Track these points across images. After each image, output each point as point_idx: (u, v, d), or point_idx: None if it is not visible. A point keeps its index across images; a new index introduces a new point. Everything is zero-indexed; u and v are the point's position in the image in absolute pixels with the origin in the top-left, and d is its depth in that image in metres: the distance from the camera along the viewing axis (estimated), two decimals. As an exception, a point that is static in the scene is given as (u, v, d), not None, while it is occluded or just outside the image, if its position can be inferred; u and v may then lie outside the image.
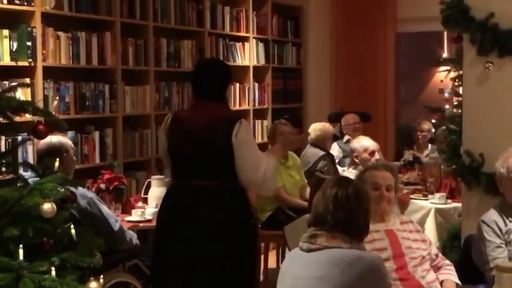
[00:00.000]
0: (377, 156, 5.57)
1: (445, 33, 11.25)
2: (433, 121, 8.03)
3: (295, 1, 7.74)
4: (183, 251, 3.42)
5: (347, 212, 2.54)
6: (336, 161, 6.55)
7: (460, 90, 5.53)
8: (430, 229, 5.14)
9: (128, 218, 4.56)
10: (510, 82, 4.12)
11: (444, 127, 8.73)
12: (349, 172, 5.55)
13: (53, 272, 2.36)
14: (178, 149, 3.55)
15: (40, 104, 3.28)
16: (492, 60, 4.13)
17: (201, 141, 3.48)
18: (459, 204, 5.09)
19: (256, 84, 7.05)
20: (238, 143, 3.47)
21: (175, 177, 3.61)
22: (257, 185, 3.56)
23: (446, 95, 10.29)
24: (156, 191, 4.76)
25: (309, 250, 2.57)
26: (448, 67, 7.73)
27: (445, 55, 11.22)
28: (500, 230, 3.44)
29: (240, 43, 6.82)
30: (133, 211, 4.61)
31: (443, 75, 10.20)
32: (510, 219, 3.47)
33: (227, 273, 3.40)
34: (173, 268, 3.44)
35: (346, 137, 6.81)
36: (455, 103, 6.51)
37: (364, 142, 5.60)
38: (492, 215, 3.51)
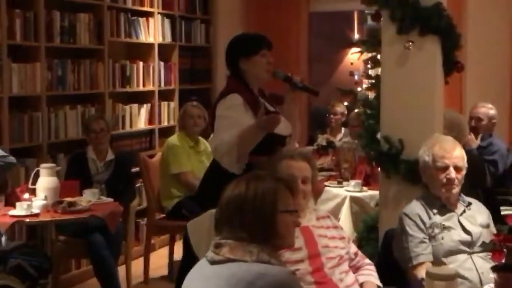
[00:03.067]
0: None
1: (355, 13, 11.13)
2: (346, 103, 7.83)
3: (203, -25, 7.30)
4: None
5: (254, 216, 2.12)
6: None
7: (372, 72, 5.28)
8: (346, 219, 4.87)
9: (12, 212, 4.05)
10: (432, 63, 3.85)
11: (357, 110, 8.56)
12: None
13: None
14: None
15: None
16: (413, 39, 3.85)
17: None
18: (376, 192, 4.86)
19: (162, 63, 6.62)
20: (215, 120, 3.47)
21: None
22: (217, 159, 3.43)
23: (356, 77, 10.15)
24: (46, 182, 4.30)
25: (212, 262, 2.13)
26: (360, 49, 7.50)
27: (356, 36, 11.10)
28: (424, 223, 3.16)
29: (144, 18, 6.36)
30: (17, 204, 4.10)
31: (354, 57, 10.09)
32: (434, 211, 3.20)
33: None
34: None
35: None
36: (366, 85, 6.27)
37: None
38: (415, 208, 3.22)
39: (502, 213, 4.47)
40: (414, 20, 3.84)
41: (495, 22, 6.93)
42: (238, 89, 3.46)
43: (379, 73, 6.77)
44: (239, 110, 3.39)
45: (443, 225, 3.17)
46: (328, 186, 5.26)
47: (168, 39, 6.70)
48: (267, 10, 7.61)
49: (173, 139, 5.43)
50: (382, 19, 4.02)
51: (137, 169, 5.59)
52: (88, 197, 4.48)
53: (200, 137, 5.49)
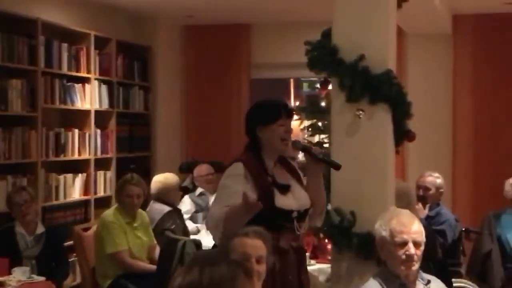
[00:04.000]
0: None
1: (291, 80, 11.15)
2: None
3: (142, 41, 7.14)
4: None
5: None
6: (188, 216, 5.98)
7: (312, 139, 5.18)
8: (294, 295, 4.62)
9: None
10: (383, 132, 3.73)
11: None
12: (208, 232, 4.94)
13: None
14: None
15: None
16: (363, 107, 3.72)
17: None
18: (324, 265, 4.65)
19: (99, 131, 6.37)
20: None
21: None
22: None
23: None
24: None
25: None
26: (299, 116, 7.43)
27: (294, 103, 11.06)
28: (382, 304, 2.96)
29: (80, 84, 6.14)
30: None
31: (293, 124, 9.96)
32: (393, 290, 3.00)
33: None
34: None
35: (199, 190, 6.25)
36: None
37: None
38: (372, 287, 3.01)
39: (454, 285, 4.35)
40: (364, 88, 3.73)
41: (435, 91, 6.99)
42: (245, 159, 3.29)
43: (318, 139, 6.69)
44: (237, 180, 3.21)
45: (402, 305, 2.98)
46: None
47: (105, 106, 6.47)
48: (208, 77, 7.51)
49: (108, 215, 5.05)
50: (331, 86, 3.91)
51: (70, 242, 5.25)
52: (18, 276, 4.13)
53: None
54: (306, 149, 3.40)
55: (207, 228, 3.24)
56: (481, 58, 6.80)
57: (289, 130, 3.34)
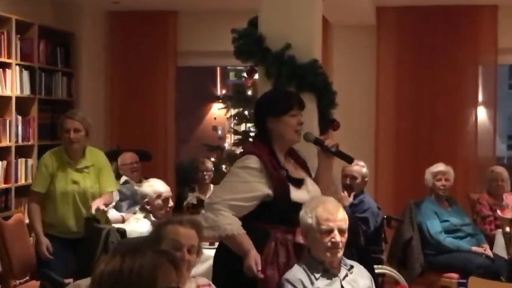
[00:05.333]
0: (171, 203, 4.94)
1: (218, 69, 11.12)
2: (213, 159, 7.68)
3: (66, 26, 6.98)
4: None
5: None
6: (112, 204, 5.88)
7: (239, 127, 5.17)
8: (219, 283, 4.62)
9: None
10: (309, 120, 3.75)
11: (224, 166, 8.40)
12: (135, 219, 4.88)
13: None
14: None
15: None
16: (289, 96, 3.74)
17: None
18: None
19: (20, 118, 6.20)
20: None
21: None
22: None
23: (220, 132, 10.01)
24: None
25: None
26: (225, 105, 7.42)
27: (221, 91, 11.07)
28: (307, 290, 3.00)
29: (1, 70, 5.93)
30: None
31: (217, 112, 10.03)
32: (317, 276, 3.05)
33: None
34: None
35: (124, 178, 6.16)
36: (234, 141, 6.15)
37: (157, 187, 4.85)
38: (297, 273, 3.06)
39: (376, 271, 4.44)
40: (290, 77, 3.77)
41: (360, 82, 7.10)
42: (259, 152, 3.22)
43: (245, 128, 6.68)
44: (253, 174, 3.17)
45: (326, 290, 3.03)
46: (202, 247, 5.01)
47: (27, 92, 6.30)
48: (133, 65, 7.40)
49: (46, 154, 4.85)
50: (257, 75, 3.92)
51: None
52: None
53: (89, 148, 4.92)
54: (318, 142, 3.37)
55: (205, 208, 3.20)
56: (404, 49, 6.95)
57: (301, 121, 3.31)
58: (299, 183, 3.26)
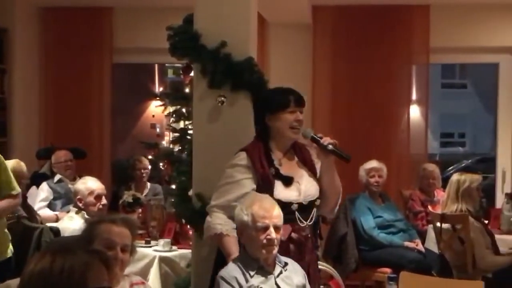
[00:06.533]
0: (104, 201, 4.90)
1: (156, 66, 11.06)
2: (150, 157, 7.63)
3: (-2, 22, 6.81)
4: None
5: None
6: (46, 203, 5.80)
7: (177, 125, 5.17)
8: (155, 281, 4.63)
9: None
10: (245, 118, 3.77)
11: (161, 164, 8.34)
12: (69, 217, 4.82)
13: None
14: None
15: None
16: (225, 94, 3.76)
17: None
18: (186, 251, 4.69)
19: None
20: None
21: None
22: None
23: (158, 130, 9.96)
24: None
25: None
26: (163, 102, 7.37)
27: (159, 89, 11.00)
28: (241, 287, 3.01)
29: None
30: None
31: (155, 110, 9.95)
32: (252, 273, 3.07)
33: None
34: None
35: (58, 176, 6.07)
36: (172, 139, 6.15)
37: (90, 184, 4.84)
38: (232, 270, 3.07)
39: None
40: (226, 75, 3.77)
41: (296, 80, 7.12)
42: (250, 148, 3.28)
43: (183, 126, 6.68)
44: (240, 170, 3.25)
45: (261, 287, 3.05)
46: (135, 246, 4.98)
47: (-43, 89, 6.14)
48: (68, 61, 7.28)
49: None
50: (193, 72, 3.91)
51: None
52: None
53: None
54: (314, 139, 3.33)
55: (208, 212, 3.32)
56: (339, 48, 7.02)
57: (299, 118, 3.30)
58: (288, 182, 3.27)
